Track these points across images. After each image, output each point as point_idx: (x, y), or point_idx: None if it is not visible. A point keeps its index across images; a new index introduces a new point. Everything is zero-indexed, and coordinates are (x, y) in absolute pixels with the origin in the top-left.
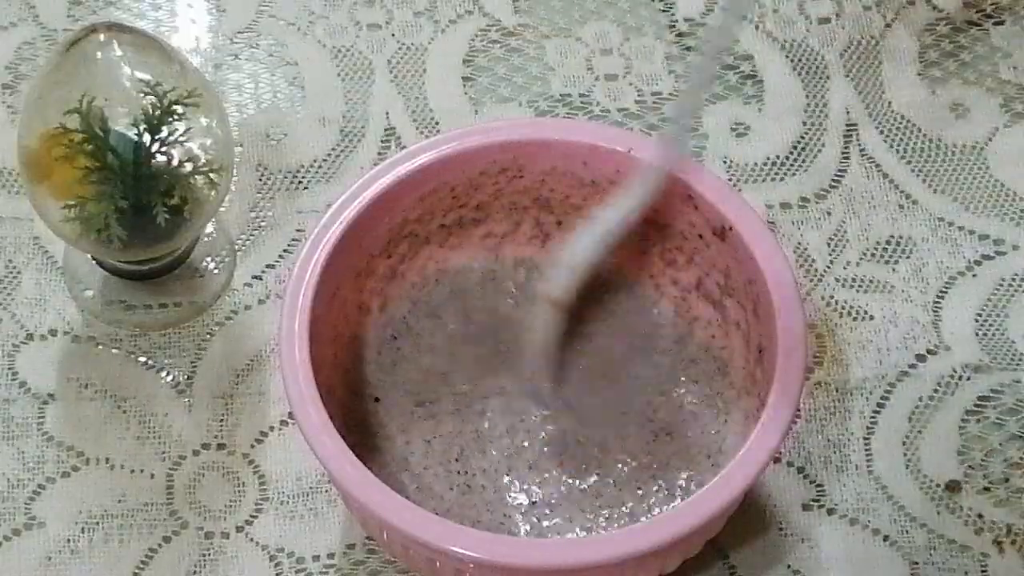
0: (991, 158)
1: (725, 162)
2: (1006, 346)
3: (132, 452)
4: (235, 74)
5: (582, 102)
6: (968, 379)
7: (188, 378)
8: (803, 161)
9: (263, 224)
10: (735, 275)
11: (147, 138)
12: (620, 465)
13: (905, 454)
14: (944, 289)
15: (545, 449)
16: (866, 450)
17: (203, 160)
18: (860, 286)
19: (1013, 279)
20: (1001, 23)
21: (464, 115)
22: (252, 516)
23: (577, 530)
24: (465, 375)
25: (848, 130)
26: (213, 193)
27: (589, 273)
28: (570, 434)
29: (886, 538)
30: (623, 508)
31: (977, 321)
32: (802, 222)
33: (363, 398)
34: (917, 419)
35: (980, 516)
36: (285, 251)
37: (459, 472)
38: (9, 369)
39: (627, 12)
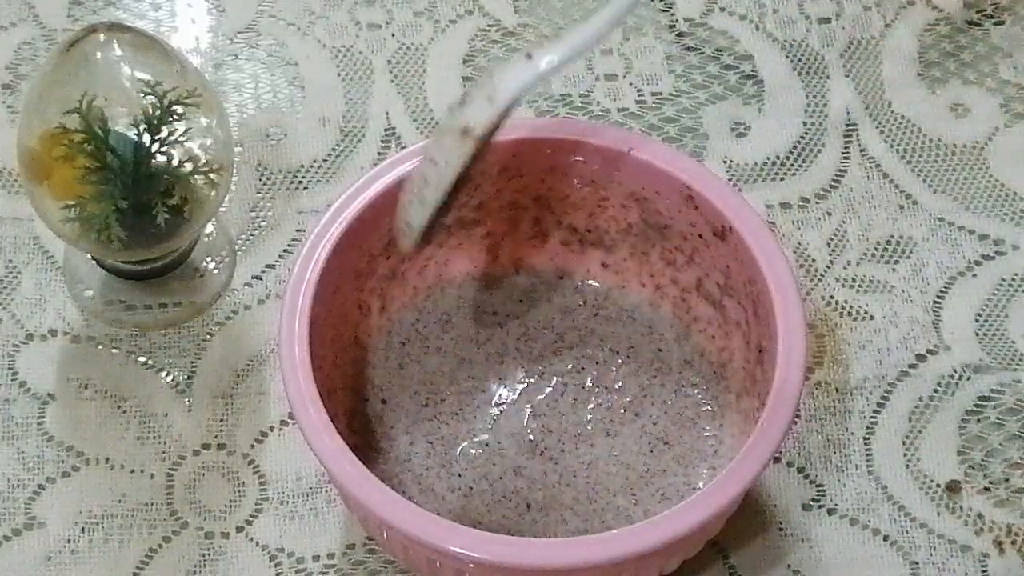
0: (991, 158)
1: (725, 162)
2: (1006, 346)
3: (132, 452)
4: (235, 74)
5: (582, 102)
6: (968, 379)
7: (188, 378)
8: (803, 161)
9: (263, 224)
10: (735, 275)
11: (147, 138)
12: (617, 472)
13: (905, 454)
14: (944, 289)
15: (545, 451)
16: (866, 450)
17: (203, 160)
18: (860, 286)
19: (1013, 279)
20: (1001, 23)
21: None
22: (252, 516)
23: (574, 532)
24: (471, 376)
25: (848, 130)
26: (213, 193)
27: (511, 109)
28: (568, 441)
29: (886, 538)
30: (620, 510)
31: (977, 321)
32: (802, 222)
33: (370, 400)
34: (917, 419)
35: (980, 516)
36: (285, 251)
37: (460, 473)
38: (9, 369)
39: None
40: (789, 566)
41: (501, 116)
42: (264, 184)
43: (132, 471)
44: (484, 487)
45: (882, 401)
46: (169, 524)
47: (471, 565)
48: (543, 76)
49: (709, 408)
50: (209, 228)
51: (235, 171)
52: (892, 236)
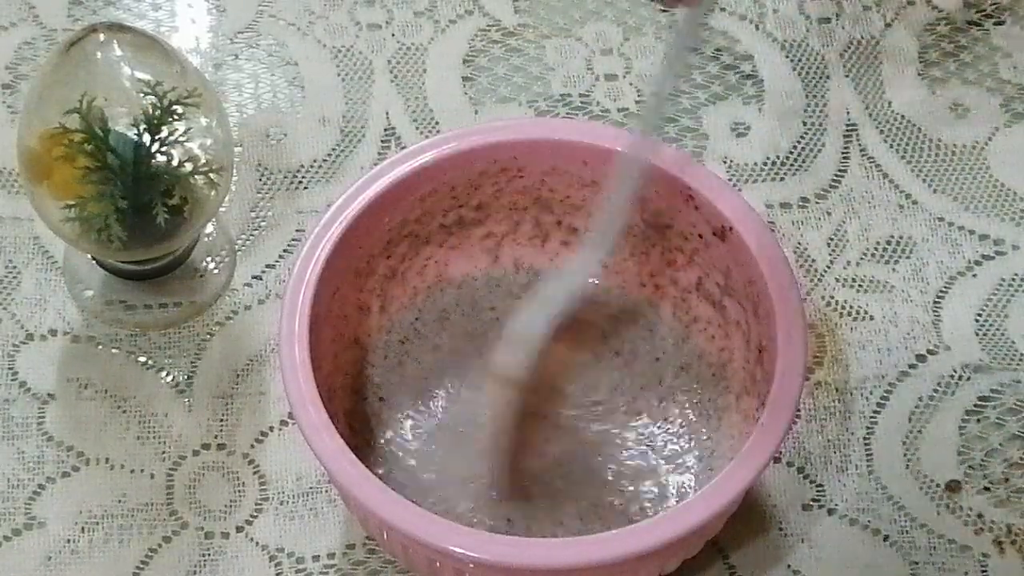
0: (991, 158)
1: (725, 162)
2: (1006, 346)
3: (132, 452)
4: (235, 74)
5: (582, 102)
6: (968, 379)
7: (188, 378)
8: (803, 161)
9: (263, 224)
10: (735, 275)
11: (147, 138)
12: (616, 471)
13: (905, 454)
14: (944, 289)
15: (544, 450)
16: (866, 450)
17: (203, 160)
18: (860, 286)
19: (1013, 279)
20: (1001, 23)
21: (464, 115)
22: (252, 516)
23: (574, 532)
24: (470, 374)
25: (848, 130)
26: (213, 193)
27: (544, 345)
28: (567, 440)
29: (886, 538)
30: (619, 510)
31: (977, 321)
32: (802, 222)
33: (368, 399)
34: (917, 419)
35: (980, 516)
36: (285, 251)
37: (451, 466)
38: (9, 369)
39: (627, 12)
40: (789, 566)
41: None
42: (264, 184)
43: (132, 471)
44: (484, 488)
45: (882, 401)
46: (169, 524)
47: (471, 565)
48: (560, 305)
49: (708, 409)
50: (209, 228)
51: (235, 171)
52: (892, 236)
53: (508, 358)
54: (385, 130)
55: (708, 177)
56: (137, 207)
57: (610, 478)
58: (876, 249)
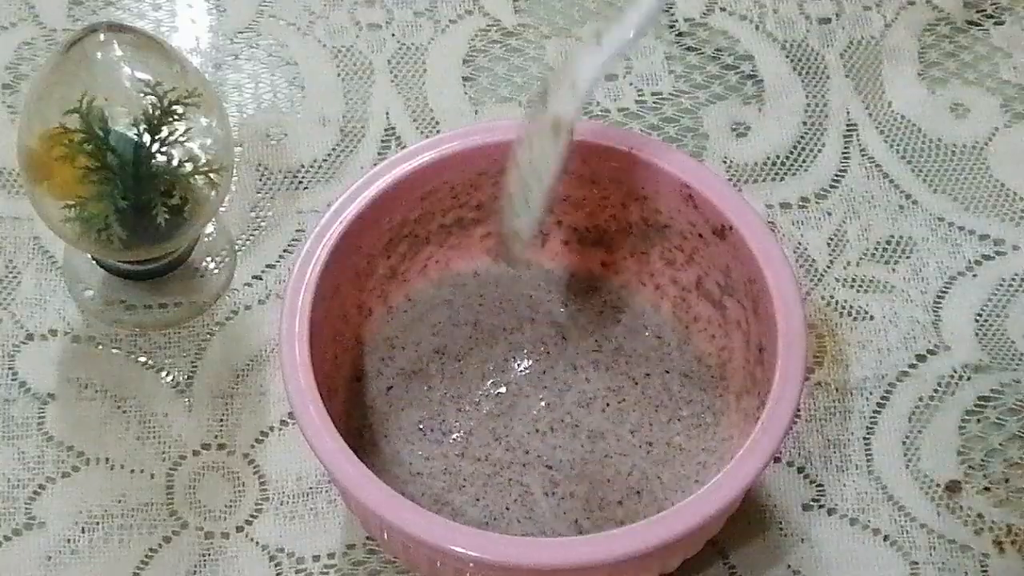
0: (991, 158)
1: (725, 162)
2: (1006, 346)
3: (132, 452)
4: (235, 74)
5: None
6: (968, 379)
7: (188, 378)
8: (803, 161)
9: (263, 224)
10: (735, 275)
11: (147, 138)
12: (617, 471)
13: (905, 454)
14: (944, 289)
15: (545, 452)
16: (866, 450)
17: (203, 160)
18: (860, 286)
19: (1013, 279)
20: (1001, 23)
21: (464, 115)
22: (252, 516)
23: (575, 532)
24: (471, 377)
25: (848, 130)
26: (213, 193)
27: (591, 95)
28: (569, 441)
29: (886, 538)
30: (620, 510)
31: (977, 321)
32: (802, 222)
33: (367, 398)
34: (917, 419)
35: (980, 516)
36: (285, 251)
37: (459, 474)
38: (9, 369)
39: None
40: (789, 566)
41: (584, 103)
42: (264, 184)
43: (132, 471)
44: (484, 488)
45: (882, 401)
46: (169, 524)
47: (471, 565)
48: (615, 56)
49: (708, 409)
50: (209, 228)
51: (235, 171)
52: (892, 236)
53: (563, 103)
54: (385, 130)
55: (708, 177)
56: (137, 207)
57: (614, 478)
58: (876, 249)
